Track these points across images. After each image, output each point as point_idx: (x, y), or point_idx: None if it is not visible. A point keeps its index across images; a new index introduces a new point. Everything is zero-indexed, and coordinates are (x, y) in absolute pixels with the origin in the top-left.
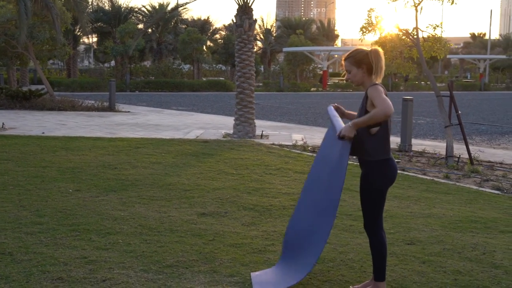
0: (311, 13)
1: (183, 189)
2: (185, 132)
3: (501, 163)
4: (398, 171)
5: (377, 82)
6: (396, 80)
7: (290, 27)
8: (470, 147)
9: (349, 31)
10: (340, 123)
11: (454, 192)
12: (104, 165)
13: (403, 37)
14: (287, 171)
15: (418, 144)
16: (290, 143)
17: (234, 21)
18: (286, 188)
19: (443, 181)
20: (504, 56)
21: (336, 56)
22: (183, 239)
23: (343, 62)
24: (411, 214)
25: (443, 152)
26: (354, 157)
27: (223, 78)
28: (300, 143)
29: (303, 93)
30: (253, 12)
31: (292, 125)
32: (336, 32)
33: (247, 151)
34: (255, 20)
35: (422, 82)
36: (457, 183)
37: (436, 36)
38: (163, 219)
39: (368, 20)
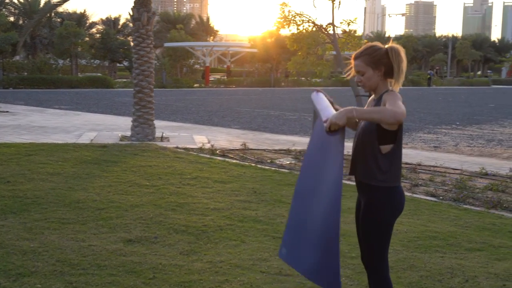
0: (184, 8)
1: (95, 207)
2: (77, 135)
3: (419, 165)
4: None
5: (394, 89)
6: (278, 75)
7: (169, 22)
8: None
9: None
10: (330, 111)
11: None
12: None
13: (319, 33)
14: (206, 181)
15: None
16: (195, 146)
17: (131, 14)
18: (213, 202)
19: None
20: None
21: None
22: (117, 278)
23: (352, 61)
24: None
25: None
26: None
27: (100, 74)
28: (207, 146)
29: (186, 90)
30: (152, 5)
31: (189, 125)
32: (214, 27)
33: (152, 156)
34: (154, 13)
35: (303, 78)
36: None
37: (351, 32)
38: (83, 250)
39: (282, 15)
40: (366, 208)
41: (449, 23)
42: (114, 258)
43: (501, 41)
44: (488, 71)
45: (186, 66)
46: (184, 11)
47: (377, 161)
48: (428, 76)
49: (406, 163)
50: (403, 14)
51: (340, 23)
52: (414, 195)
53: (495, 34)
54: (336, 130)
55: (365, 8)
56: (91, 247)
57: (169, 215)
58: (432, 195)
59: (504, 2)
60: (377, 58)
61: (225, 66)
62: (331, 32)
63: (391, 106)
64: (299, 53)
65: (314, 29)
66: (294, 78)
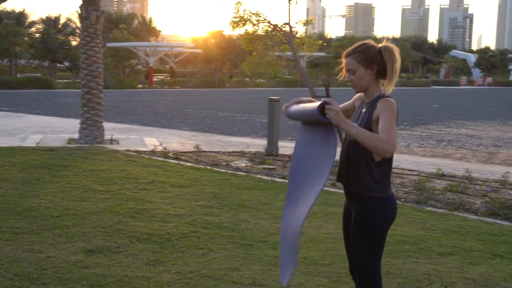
0: (124, 8)
1: (50, 215)
2: (22, 138)
3: None
4: (279, 180)
5: (388, 94)
6: (221, 76)
7: (111, 22)
8: None
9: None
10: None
11: None
12: None
13: (275, 32)
14: (163, 185)
15: (281, 147)
16: (147, 149)
17: (79, 12)
18: (173, 208)
19: (334, 190)
20: (323, 54)
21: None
22: None
23: (343, 59)
24: (331, 236)
25: None
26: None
27: (40, 74)
28: (159, 148)
29: (130, 91)
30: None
31: (137, 126)
32: (156, 27)
33: (104, 160)
34: (103, 12)
35: (247, 79)
36: None
37: (306, 32)
38: (42, 263)
39: (237, 14)
40: (359, 219)
41: (387, 25)
42: (76, 270)
43: (440, 42)
44: (427, 75)
45: (128, 67)
46: (125, 10)
47: (370, 170)
48: None
49: None
50: (343, 16)
51: (296, 23)
52: None
53: (432, 36)
54: (325, 115)
55: (307, 9)
56: (50, 259)
57: (129, 222)
58: None
59: (440, 5)
60: (370, 56)
61: (167, 67)
62: (287, 33)
63: (387, 134)
64: (254, 53)
65: (269, 28)
66: (238, 79)
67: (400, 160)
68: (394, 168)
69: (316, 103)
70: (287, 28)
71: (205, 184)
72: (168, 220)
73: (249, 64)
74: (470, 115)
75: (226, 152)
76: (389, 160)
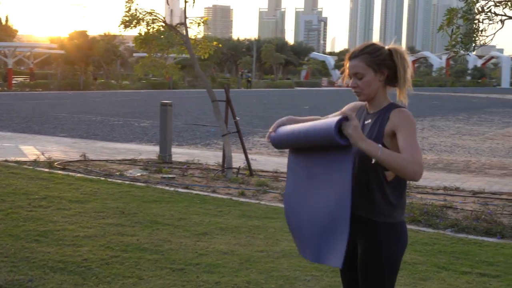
0: None
1: None
2: None
3: (276, 172)
4: (183, 191)
5: (402, 104)
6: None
7: None
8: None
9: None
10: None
11: (273, 215)
12: None
13: (171, 32)
14: (59, 201)
15: (175, 153)
16: (27, 159)
17: None
18: (80, 228)
19: (244, 200)
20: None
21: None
22: None
23: (347, 61)
24: (265, 254)
25: (203, 161)
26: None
27: None
28: (42, 158)
29: None
30: None
31: (7, 133)
32: (13, 27)
33: None
34: None
35: (113, 81)
36: (261, 202)
37: (202, 34)
38: None
39: (128, 13)
40: (370, 249)
41: (245, 27)
42: None
43: (300, 44)
44: (288, 76)
45: None
46: None
47: (384, 192)
48: (250, 79)
49: (263, 171)
50: (201, 17)
51: (190, 23)
52: None
53: (289, 38)
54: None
55: (171, 11)
56: None
57: (34, 248)
58: None
59: (296, 8)
60: (381, 58)
61: (23, 68)
62: (182, 34)
63: (413, 153)
64: (147, 55)
65: (164, 29)
66: (102, 81)
67: None
68: (275, 172)
69: (329, 120)
70: (182, 29)
71: (106, 198)
72: (80, 244)
73: (142, 67)
74: None
75: (116, 160)
76: (403, 179)
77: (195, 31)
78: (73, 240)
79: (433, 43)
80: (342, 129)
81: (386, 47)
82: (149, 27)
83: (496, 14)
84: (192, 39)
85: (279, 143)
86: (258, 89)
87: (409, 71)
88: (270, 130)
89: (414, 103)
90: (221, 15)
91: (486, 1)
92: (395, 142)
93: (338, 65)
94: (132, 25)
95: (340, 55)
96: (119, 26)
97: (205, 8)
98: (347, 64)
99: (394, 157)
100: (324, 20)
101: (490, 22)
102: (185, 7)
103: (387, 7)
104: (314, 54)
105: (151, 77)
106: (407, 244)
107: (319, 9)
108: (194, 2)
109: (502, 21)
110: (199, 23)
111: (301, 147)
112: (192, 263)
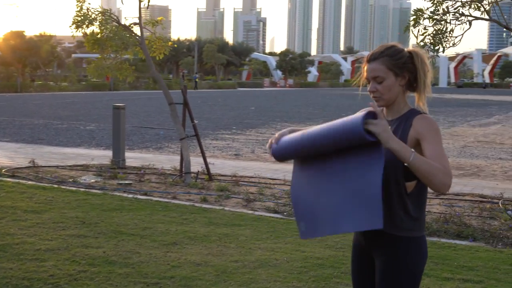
0: None
1: None
2: None
3: (235, 176)
4: (143, 197)
5: (423, 110)
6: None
7: None
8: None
9: None
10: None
11: (240, 222)
12: None
13: (126, 33)
14: (13, 211)
15: (128, 158)
16: None
17: None
18: (41, 240)
19: (207, 206)
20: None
21: None
22: None
23: (365, 64)
24: (240, 265)
25: (158, 165)
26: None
27: None
28: None
29: None
30: None
31: None
32: None
33: None
34: None
35: (51, 82)
36: (225, 208)
37: (156, 34)
38: None
39: (80, 13)
40: (390, 265)
41: (184, 27)
42: None
43: (241, 45)
44: (229, 77)
45: None
46: None
47: (405, 204)
48: (196, 80)
49: (221, 175)
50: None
51: (144, 23)
52: (257, 213)
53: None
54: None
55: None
56: None
57: None
58: (275, 211)
59: (234, 8)
60: (402, 62)
61: None
62: (136, 34)
63: (442, 162)
64: (100, 56)
65: (118, 29)
66: (40, 83)
67: (255, 168)
68: (257, 177)
69: (353, 116)
70: (136, 29)
71: (62, 207)
72: (43, 258)
73: (96, 68)
74: (290, 117)
75: (67, 166)
76: (423, 190)
77: (150, 32)
78: (35, 254)
79: (371, 43)
80: (369, 128)
81: (406, 50)
82: (102, 27)
83: (464, 15)
84: (146, 39)
85: (283, 153)
86: (201, 90)
87: (429, 76)
88: (271, 141)
89: (358, 103)
90: (159, 15)
91: (454, 1)
92: (417, 150)
93: (279, 66)
94: (84, 26)
95: (281, 56)
96: (70, 26)
97: (142, 8)
98: (365, 67)
99: (427, 164)
100: (263, 21)
101: (458, 23)
102: (139, 7)
103: (325, 8)
104: (255, 55)
105: (91, 78)
106: (427, 257)
107: (257, 10)
108: (149, 2)
109: (470, 22)
110: (153, 23)
111: (313, 154)
112: (166, 276)
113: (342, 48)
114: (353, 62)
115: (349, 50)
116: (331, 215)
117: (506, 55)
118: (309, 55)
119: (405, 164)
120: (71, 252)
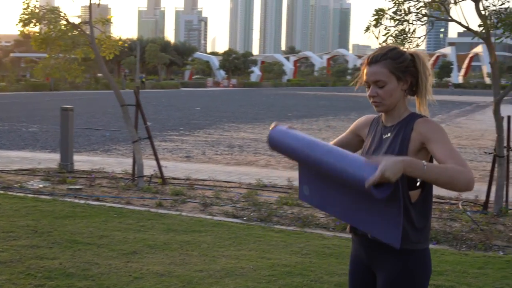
0: None
1: None
2: None
3: (188, 179)
4: (95, 203)
5: (423, 113)
6: None
7: None
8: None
9: None
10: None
11: (200, 228)
12: None
13: (75, 33)
14: None
15: (76, 161)
16: None
17: None
18: None
19: (164, 211)
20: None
21: None
22: None
23: (365, 67)
24: (206, 275)
25: (108, 169)
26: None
27: None
28: None
29: None
30: None
31: None
32: None
33: None
34: None
35: None
36: (182, 213)
37: (106, 33)
38: None
39: (27, 10)
40: (394, 279)
41: (124, 26)
42: None
43: (183, 44)
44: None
45: None
46: None
47: (409, 214)
48: (143, 80)
49: (174, 178)
50: (79, 17)
51: (94, 21)
52: (215, 218)
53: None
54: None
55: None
56: None
57: None
58: (234, 216)
59: (175, 8)
60: (405, 65)
61: None
62: (86, 31)
63: (458, 161)
64: (48, 56)
65: (67, 28)
66: None
67: (208, 170)
68: (212, 180)
69: (359, 170)
70: (86, 27)
71: (11, 215)
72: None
73: (43, 68)
74: (237, 118)
75: (12, 170)
76: (428, 200)
77: (100, 30)
78: None
79: (312, 43)
80: (376, 181)
81: (408, 52)
82: (51, 26)
83: (426, 15)
84: (96, 38)
85: (277, 144)
86: (144, 90)
87: (430, 79)
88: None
89: (302, 103)
90: (98, 13)
91: (416, 2)
92: (421, 156)
93: (222, 65)
94: (32, 24)
95: (224, 55)
96: (17, 24)
97: (82, 6)
98: (364, 69)
99: (442, 169)
100: (205, 20)
101: (421, 23)
102: (90, 5)
103: (267, 7)
104: (198, 54)
105: (30, 78)
106: (431, 269)
107: (199, 9)
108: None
109: (432, 23)
110: (103, 22)
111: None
112: None
113: (283, 48)
114: (295, 62)
115: (291, 50)
116: (346, 204)
117: (444, 55)
118: (252, 55)
119: (419, 179)
120: (25, 265)
